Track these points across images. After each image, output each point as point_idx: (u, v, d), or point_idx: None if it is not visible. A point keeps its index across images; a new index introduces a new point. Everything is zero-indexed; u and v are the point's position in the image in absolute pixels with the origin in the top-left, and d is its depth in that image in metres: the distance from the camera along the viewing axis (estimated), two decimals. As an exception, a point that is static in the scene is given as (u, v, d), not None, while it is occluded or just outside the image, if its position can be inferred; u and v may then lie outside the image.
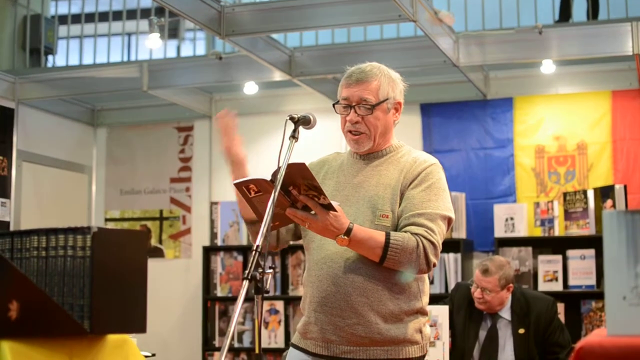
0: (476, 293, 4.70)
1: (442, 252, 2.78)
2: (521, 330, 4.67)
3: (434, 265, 2.73)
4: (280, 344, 6.68)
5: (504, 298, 4.70)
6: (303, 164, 2.49)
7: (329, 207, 2.57)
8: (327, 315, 2.74)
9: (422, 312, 2.82)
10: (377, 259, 2.67)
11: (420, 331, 2.80)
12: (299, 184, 2.53)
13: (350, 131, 2.84)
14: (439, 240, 2.70)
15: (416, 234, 2.67)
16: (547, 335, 4.68)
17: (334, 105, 2.88)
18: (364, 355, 2.72)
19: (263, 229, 2.40)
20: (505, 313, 4.73)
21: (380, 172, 2.84)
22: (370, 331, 2.71)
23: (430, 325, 3.50)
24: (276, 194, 2.46)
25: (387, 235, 2.65)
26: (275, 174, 2.53)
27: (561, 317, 5.31)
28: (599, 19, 6.56)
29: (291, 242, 3.07)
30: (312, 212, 2.58)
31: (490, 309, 4.72)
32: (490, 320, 4.75)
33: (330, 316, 2.74)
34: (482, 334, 4.74)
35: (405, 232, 2.68)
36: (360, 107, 2.81)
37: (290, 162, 2.50)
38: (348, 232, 2.61)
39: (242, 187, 2.61)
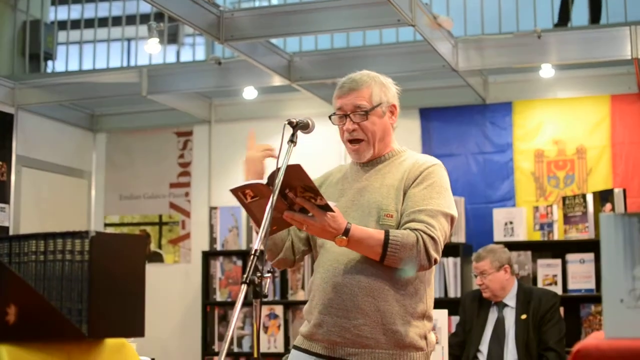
0: (477, 281, 5.14)
1: (441, 256, 2.76)
2: (523, 316, 5.06)
3: (436, 261, 2.72)
4: (280, 348, 6.68)
5: (503, 280, 5.11)
6: (299, 165, 2.48)
7: (326, 208, 2.56)
8: (333, 317, 2.74)
9: (428, 317, 2.82)
10: (377, 258, 2.67)
11: (425, 337, 2.80)
12: (295, 187, 2.52)
13: (349, 140, 2.86)
14: (439, 235, 2.69)
15: (416, 229, 2.66)
16: (542, 323, 4.98)
17: (330, 117, 2.89)
18: (369, 358, 2.71)
19: (261, 232, 2.39)
20: (511, 301, 5.13)
21: (384, 175, 2.85)
22: (376, 331, 2.70)
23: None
24: (275, 197, 2.45)
25: (387, 233, 2.65)
26: (272, 177, 2.53)
27: (561, 320, 5.34)
28: (598, 24, 6.56)
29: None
30: (310, 214, 2.58)
31: (494, 294, 5.11)
32: (497, 309, 5.14)
33: (337, 317, 2.73)
34: (491, 321, 5.13)
35: (405, 228, 2.68)
36: (355, 115, 2.83)
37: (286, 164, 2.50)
38: (346, 232, 2.61)
39: (239, 193, 2.59)
